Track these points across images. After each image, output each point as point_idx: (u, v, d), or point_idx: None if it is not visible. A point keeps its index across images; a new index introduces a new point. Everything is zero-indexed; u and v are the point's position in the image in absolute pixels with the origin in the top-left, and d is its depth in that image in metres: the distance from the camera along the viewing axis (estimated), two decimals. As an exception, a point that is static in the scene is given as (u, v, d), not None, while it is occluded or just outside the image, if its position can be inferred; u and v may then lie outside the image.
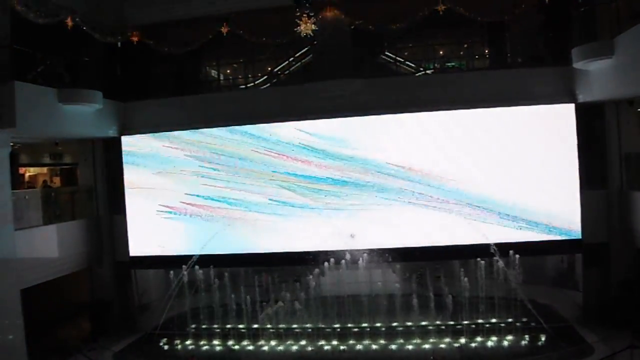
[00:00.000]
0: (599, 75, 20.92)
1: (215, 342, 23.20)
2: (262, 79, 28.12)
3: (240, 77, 29.15)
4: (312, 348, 22.12)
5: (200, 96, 26.52)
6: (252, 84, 28.11)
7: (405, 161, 23.66)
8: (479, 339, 21.52)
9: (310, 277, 23.52)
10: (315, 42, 24.41)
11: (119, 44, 24.29)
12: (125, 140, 25.78)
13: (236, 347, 22.71)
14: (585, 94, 22.13)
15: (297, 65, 27.75)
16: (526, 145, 22.78)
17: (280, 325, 23.38)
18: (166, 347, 23.52)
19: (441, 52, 27.69)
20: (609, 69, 20.05)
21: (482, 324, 22.17)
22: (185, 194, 25.31)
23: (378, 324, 22.96)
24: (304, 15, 20.51)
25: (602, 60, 20.11)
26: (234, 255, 24.94)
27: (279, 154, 24.54)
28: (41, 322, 22.65)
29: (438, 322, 22.52)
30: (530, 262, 24.04)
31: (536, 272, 24.77)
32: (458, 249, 23.09)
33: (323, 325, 23.26)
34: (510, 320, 22.01)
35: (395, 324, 22.82)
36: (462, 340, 21.50)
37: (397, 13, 22.20)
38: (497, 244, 22.39)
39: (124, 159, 25.72)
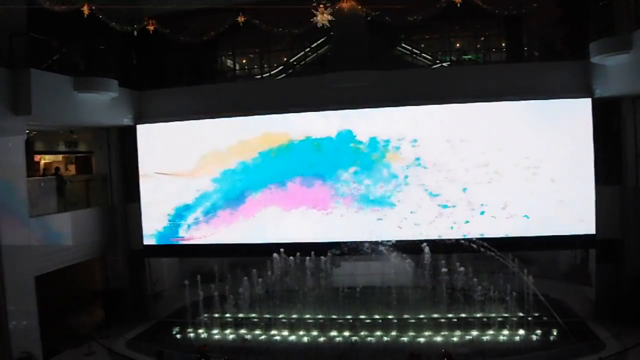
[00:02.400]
0: (616, 70, 20.77)
1: (228, 331, 23.28)
2: (277, 69, 28.09)
3: (255, 67, 29.12)
4: (324, 339, 22.16)
5: (216, 86, 26.68)
6: (267, 74, 28.09)
7: (419, 153, 23.68)
8: (490, 332, 21.51)
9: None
10: (331, 33, 24.44)
11: (135, 32, 24.24)
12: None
13: (248, 336, 22.78)
14: (602, 89, 22.01)
15: (313, 56, 27.71)
16: (541, 140, 22.71)
17: (293, 316, 23.52)
18: (178, 335, 23.69)
19: (458, 45, 27.57)
20: (627, 64, 19.89)
21: (493, 317, 22.16)
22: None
23: (390, 316, 23.04)
24: (321, 5, 20.47)
25: (620, 55, 20.00)
26: (249, 245, 25.02)
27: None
28: (55, 309, 22.84)
29: (450, 315, 22.58)
30: (544, 257, 24.03)
31: (549, 267, 24.76)
32: (472, 242, 22.95)
33: (335, 316, 23.37)
34: (522, 314, 22.00)
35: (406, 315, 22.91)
36: (474, 333, 21.50)
37: (414, 5, 22.09)
38: (510, 238, 22.41)
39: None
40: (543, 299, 21.47)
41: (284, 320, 23.55)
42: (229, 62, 29.35)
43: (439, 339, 21.33)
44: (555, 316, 21.38)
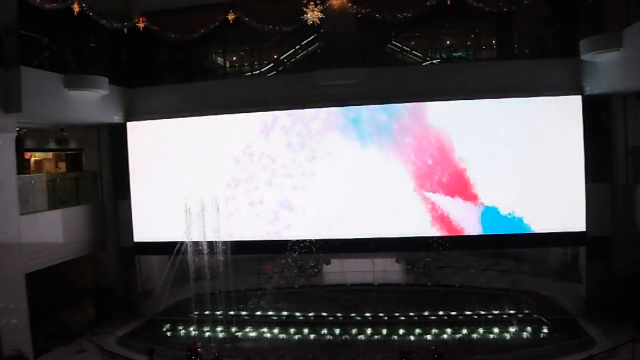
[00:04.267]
0: (606, 68, 20.82)
1: (218, 328, 23.26)
2: (268, 67, 28.00)
3: (246, 64, 29.03)
4: (314, 336, 22.16)
5: (206, 83, 26.60)
6: (258, 71, 27.99)
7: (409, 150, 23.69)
8: (480, 330, 21.55)
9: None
10: (321, 30, 24.42)
11: (125, 30, 24.26)
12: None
13: (238, 333, 22.78)
14: (592, 86, 22.03)
15: (303, 53, 27.65)
16: (532, 137, 22.73)
17: (283, 313, 23.55)
18: (169, 333, 23.67)
19: (448, 42, 27.54)
20: (617, 61, 19.96)
21: (484, 315, 22.21)
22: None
23: (381, 314, 23.08)
24: (311, 3, 20.46)
25: (610, 52, 20.04)
26: (239, 242, 24.88)
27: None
28: (45, 307, 22.76)
29: (440, 313, 22.63)
30: (534, 255, 24.07)
31: (539, 264, 24.81)
32: (459, 240, 23.04)
33: (325, 314, 23.41)
34: (512, 311, 22.06)
35: (397, 313, 22.96)
36: (464, 331, 21.53)
37: (404, 2, 22.11)
38: (501, 236, 22.45)
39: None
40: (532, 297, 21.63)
41: (274, 317, 23.60)
42: (219, 60, 29.30)
43: (429, 336, 21.36)
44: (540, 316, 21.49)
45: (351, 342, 21.49)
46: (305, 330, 22.49)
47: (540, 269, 24.87)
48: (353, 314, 23.43)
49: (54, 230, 23.02)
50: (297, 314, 23.85)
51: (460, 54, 27.35)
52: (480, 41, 27.21)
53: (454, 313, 22.79)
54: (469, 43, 27.31)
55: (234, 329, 23.13)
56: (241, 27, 23.63)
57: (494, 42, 26.96)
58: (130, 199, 25.78)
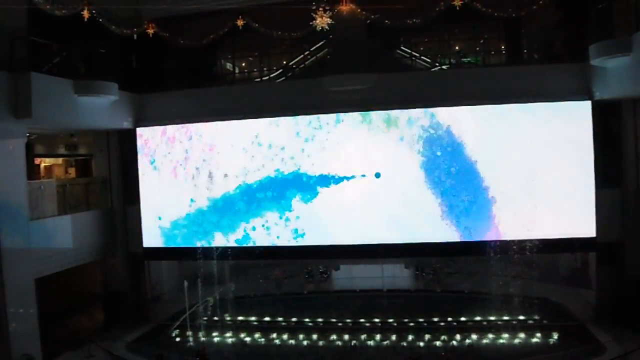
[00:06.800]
0: (616, 73, 20.69)
1: (227, 334, 23.24)
2: (277, 73, 28.09)
3: (255, 70, 29.13)
4: (323, 342, 22.12)
5: (215, 89, 26.63)
6: (267, 77, 28.07)
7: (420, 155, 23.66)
8: (490, 336, 21.45)
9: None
10: (330, 36, 24.41)
11: (135, 36, 24.33)
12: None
13: (248, 339, 22.76)
14: (602, 91, 21.90)
15: (312, 59, 27.74)
16: (541, 142, 22.61)
17: (292, 319, 23.53)
18: (178, 338, 23.66)
19: (457, 48, 27.55)
20: (627, 66, 19.80)
21: (493, 321, 22.12)
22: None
23: (390, 320, 23.03)
24: (320, 8, 20.46)
25: (620, 57, 19.89)
26: (248, 248, 24.92)
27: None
28: (55, 312, 22.84)
29: (450, 319, 22.56)
30: (544, 260, 23.98)
31: (549, 270, 24.70)
32: (471, 245, 22.99)
33: (334, 319, 23.37)
34: (522, 318, 21.97)
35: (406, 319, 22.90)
36: (474, 337, 21.44)
37: (413, 8, 22.10)
38: (510, 241, 22.37)
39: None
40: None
41: (283, 323, 23.59)
42: (229, 65, 29.39)
43: (438, 342, 21.28)
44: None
45: (360, 348, 21.46)
46: (314, 336, 22.44)
47: (550, 275, 24.75)
48: (362, 320, 23.38)
49: (64, 235, 23.07)
50: (306, 319, 23.79)
51: (469, 59, 27.37)
52: (489, 46, 27.19)
53: (463, 319, 22.72)
54: (478, 48, 27.33)
55: (242, 335, 23.10)
56: (250, 33, 23.64)
57: (503, 47, 26.92)
58: (139, 205, 25.84)
